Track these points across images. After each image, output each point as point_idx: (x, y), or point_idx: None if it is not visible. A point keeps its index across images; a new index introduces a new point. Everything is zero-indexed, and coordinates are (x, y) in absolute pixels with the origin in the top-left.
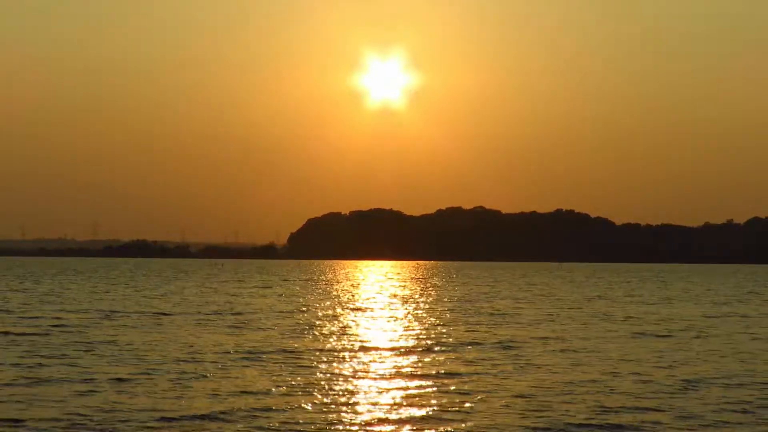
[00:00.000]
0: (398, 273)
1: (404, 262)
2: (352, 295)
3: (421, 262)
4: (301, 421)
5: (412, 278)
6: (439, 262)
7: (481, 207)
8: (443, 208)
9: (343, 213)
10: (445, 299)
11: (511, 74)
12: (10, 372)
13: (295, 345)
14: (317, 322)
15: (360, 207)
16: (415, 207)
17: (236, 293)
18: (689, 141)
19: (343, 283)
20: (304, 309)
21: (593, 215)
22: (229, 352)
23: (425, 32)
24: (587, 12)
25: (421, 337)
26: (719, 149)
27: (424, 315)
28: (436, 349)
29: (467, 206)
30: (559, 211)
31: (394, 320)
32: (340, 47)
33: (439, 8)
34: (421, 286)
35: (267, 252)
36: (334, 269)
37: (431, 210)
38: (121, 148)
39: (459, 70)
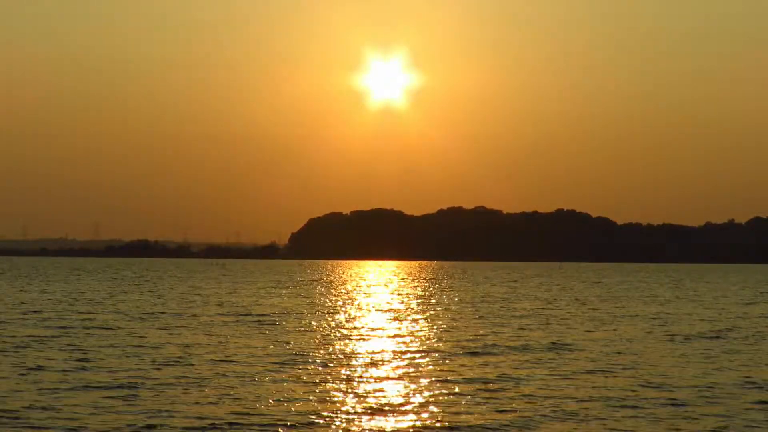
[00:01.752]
0: (408, 273)
1: (406, 262)
2: (371, 295)
3: (422, 262)
4: (354, 428)
5: (424, 278)
6: (441, 262)
7: (482, 207)
8: (444, 207)
9: (344, 213)
10: (468, 299)
11: (512, 74)
12: (49, 375)
13: (339, 349)
14: (352, 324)
15: (361, 207)
16: (416, 207)
17: (255, 294)
18: (690, 141)
19: (355, 284)
20: (334, 310)
21: (594, 215)
22: (276, 356)
23: (426, 32)
24: (588, 12)
25: (468, 339)
26: (720, 149)
27: (460, 317)
28: (490, 352)
29: (468, 206)
30: (560, 211)
31: (442, 322)
32: (342, 47)
33: (441, 8)
34: (437, 286)
35: (268, 252)
36: (339, 269)
37: (432, 210)
38: (122, 148)
39: (460, 70)
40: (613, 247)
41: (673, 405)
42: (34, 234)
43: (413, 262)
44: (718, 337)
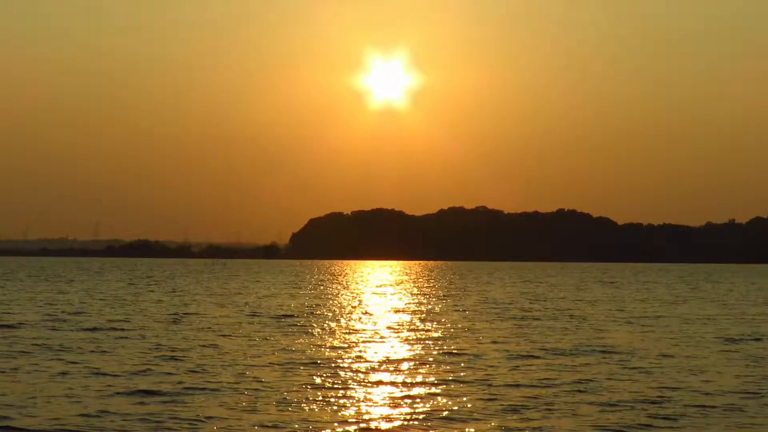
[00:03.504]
0: (416, 273)
1: (407, 262)
2: (391, 295)
3: (423, 262)
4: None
5: (437, 278)
6: (442, 262)
7: (483, 207)
8: (445, 208)
9: (344, 213)
10: (491, 301)
11: (513, 74)
12: (107, 381)
13: (382, 351)
14: (393, 326)
15: (362, 207)
16: (417, 207)
17: (273, 294)
18: (691, 140)
19: (368, 284)
20: (363, 311)
21: (595, 215)
22: (320, 360)
23: (427, 32)
24: (588, 12)
25: (517, 342)
26: (721, 149)
27: (495, 319)
28: (547, 355)
29: (469, 206)
30: (560, 211)
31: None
32: (343, 47)
33: (441, 8)
34: (455, 286)
35: (269, 252)
36: (344, 269)
37: (433, 210)
38: (122, 148)
39: (461, 70)
40: (614, 247)
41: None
42: (35, 234)
43: (414, 262)
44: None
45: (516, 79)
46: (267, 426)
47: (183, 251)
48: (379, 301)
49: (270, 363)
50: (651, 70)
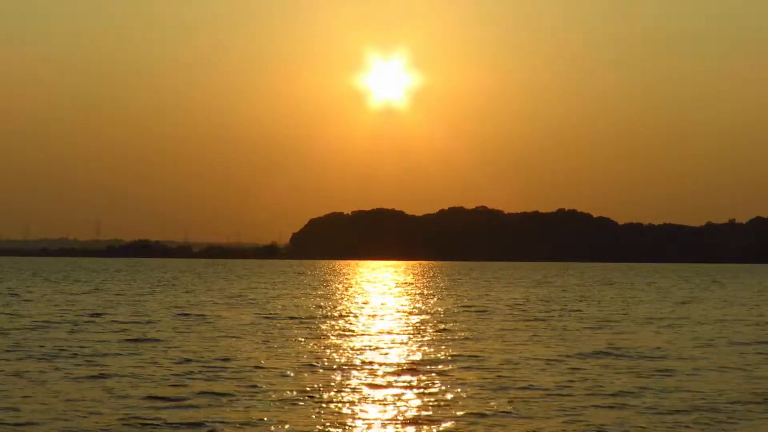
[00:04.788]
0: (423, 274)
1: (407, 262)
2: (408, 296)
3: (423, 262)
4: None
5: (449, 279)
6: (442, 263)
7: (483, 207)
8: (445, 207)
9: (345, 213)
10: (520, 301)
11: (514, 74)
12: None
13: (411, 353)
14: (418, 326)
15: (362, 207)
16: (417, 207)
17: (290, 295)
18: (691, 140)
19: (380, 284)
20: (384, 312)
21: (595, 215)
22: (377, 364)
23: (428, 32)
24: (588, 11)
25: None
26: (721, 149)
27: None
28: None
29: (469, 206)
30: (561, 211)
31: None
32: (343, 47)
33: (442, 8)
34: (471, 286)
35: (269, 252)
36: (349, 269)
37: (433, 210)
38: (123, 148)
39: (461, 70)
40: (614, 247)
41: None
42: (35, 234)
43: (414, 262)
44: None
45: (516, 79)
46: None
47: (183, 251)
48: (397, 301)
49: (303, 365)
50: (651, 70)
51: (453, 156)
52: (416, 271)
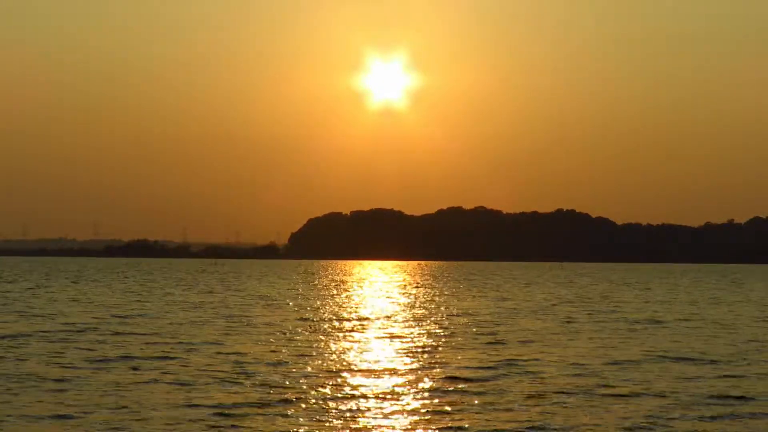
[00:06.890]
0: (432, 275)
1: (407, 262)
2: (434, 297)
3: (423, 262)
4: None
5: (461, 280)
6: (441, 263)
7: (481, 207)
8: (444, 208)
9: (344, 213)
10: (554, 302)
11: (512, 74)
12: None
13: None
14: (481, 329)
15: (361, 207)
16: (416, 207)
17: (308, 294)
18: (690, 141)
19: (399, 284)
20: (407, 315)
21: (594, 215)
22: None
23: (427, 33)
24: (587, 12)
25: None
26: (720, 149)
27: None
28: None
29: (468, 206)
30: (559, 211)
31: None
32: (342, 48)
33: (441, 9)
34: (487, 287)
35: (268, 252)
36: (350, 270)
37: (432, 210)
38: (122, 148)
39: (460, 71)
40: (613, 247)
41: None
42: (34, 234)
43: (413, 262)
44: None
45: (515, 79)
46: None
47: (182, 251)
48: (432, 302)
49: (355, 369)
50: (651, 70)
51: (452, 156)
52: (425, 272)
